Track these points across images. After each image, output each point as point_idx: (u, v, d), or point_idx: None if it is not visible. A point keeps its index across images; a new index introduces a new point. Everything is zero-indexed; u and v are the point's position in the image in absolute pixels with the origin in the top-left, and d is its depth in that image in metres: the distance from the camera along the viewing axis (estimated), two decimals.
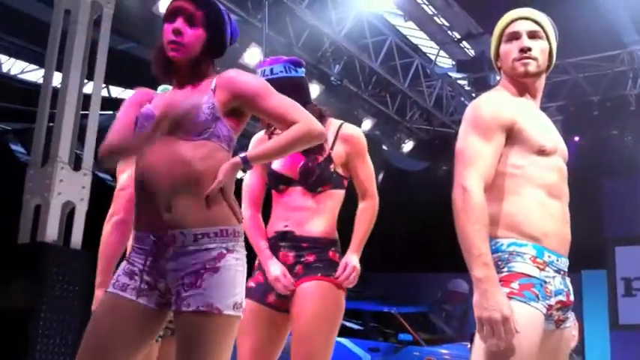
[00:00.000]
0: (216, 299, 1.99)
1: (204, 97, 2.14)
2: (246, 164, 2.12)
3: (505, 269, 2.14)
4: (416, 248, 12.10)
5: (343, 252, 2.88)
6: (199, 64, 2.22)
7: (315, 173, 2.80)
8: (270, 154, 2.23)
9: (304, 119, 2.17)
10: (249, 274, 2.47)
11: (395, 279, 12.96)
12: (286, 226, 2.80)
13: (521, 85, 2.38)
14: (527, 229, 2.18)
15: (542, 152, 2.24)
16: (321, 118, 2.85)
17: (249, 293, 2.70)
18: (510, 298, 2.08)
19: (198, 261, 2.02)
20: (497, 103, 2.28)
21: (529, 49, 2.33)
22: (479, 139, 2.20)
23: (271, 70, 2.91)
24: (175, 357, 2.04)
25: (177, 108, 2.10)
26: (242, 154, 2.14)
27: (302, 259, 2.77)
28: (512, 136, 2.24)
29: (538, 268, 2.14)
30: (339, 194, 2.90)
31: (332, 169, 2.84)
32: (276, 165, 2.87)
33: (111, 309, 2.10)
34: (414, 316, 11.19)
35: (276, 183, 2.88)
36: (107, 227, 3.03)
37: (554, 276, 2.18)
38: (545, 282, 2.15)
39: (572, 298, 2.27)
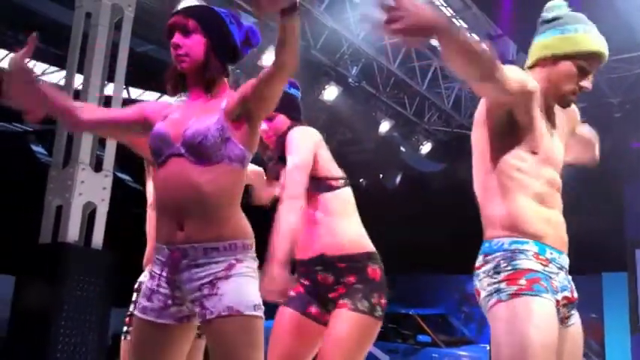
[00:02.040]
0: (235, 302, 2.07)
1: (213, 119, 2.18)
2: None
3: (509, 267, 2.13)
4: (434, 250, 12.08)
5: None
6: (208, 68, 2.27)
7: None
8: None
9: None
10: None
11: (413, 281, 12.96)
12: (310, 248, 2.82)
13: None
14: (528, 228, 2.18)
15: (534, 154, 2.24)
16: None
17: (290, 302, 2.78)
18: (520, 294, 2.08)
19: (209, 272, 2.12)
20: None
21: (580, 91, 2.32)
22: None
23: None
24: None
25: (186, 133, 2.17)
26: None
27: (342, 281, 2.77)
28: (521, 127, 2.23)
29: (541, 264, 2.14)
30: (334, 197, 2.89)
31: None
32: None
33: (139, 334, 2.24)
34: (432, 318, 11.18)
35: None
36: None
37: (557, 272, 2.18)
38: (551, 277, 2.15)
39: (576, 294, 2.26)
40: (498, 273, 2.13)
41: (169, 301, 2.17)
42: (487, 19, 9.19)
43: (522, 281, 2.09)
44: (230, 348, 2.07)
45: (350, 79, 9.35)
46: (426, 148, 11.25)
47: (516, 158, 2.23)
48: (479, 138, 2.31)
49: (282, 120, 2.94)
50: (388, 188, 11.44)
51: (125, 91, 9.85)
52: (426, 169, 11.69)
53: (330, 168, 2.92)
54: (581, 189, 10.18)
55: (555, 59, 2.31)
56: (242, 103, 2.20)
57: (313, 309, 2.81)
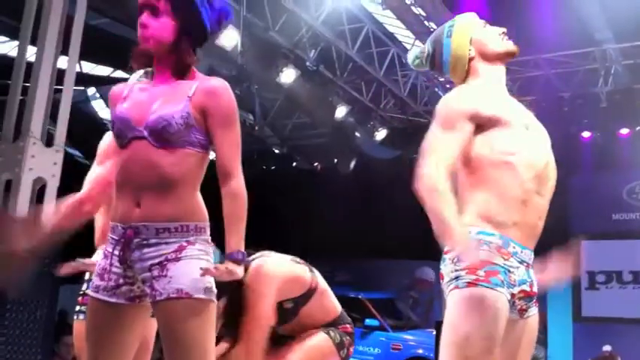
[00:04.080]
0: (184, 284, 2.08)
1: (179, 106, 2.17)
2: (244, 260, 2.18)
3: None
4: (385, 235, 12.20)
5: None
6: (176, 52, 2.25)
7: None
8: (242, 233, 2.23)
9: (238, 179, 2.20)
10: None
11: (363, 265, 13.07)
12: None
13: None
14: (496, 219, 2.24)
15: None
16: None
17: None
18: (476, 284, 2.15)
19: (160, 253, 2.13)
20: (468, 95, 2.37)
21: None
22: (441, 130, 2.29)
23: None
24: (163, 348, 2.15)
25: (150, 118, 2.16)
26: (238, 255, 2.14)
27: None
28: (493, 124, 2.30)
29: (503, 257, 2.21)
30: None
31: None
32: None
33: (93, 313, 2.24)
34: (381, 302, 11.32)
35: None
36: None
37: (517, 266, 2.25)
38: (510, 271, 2.21)
39: (535, 289, 2.33)
40: (461, 261, 2.19)
41: (121, 280, 2.17)
42: (445, 8, 9.24)
43: (481, 272, 2.16)
44: (179, 330, 2.07)
45: (308, 63, 9.34)
46: (380, 134, 11.32)
47: (501, 148, 2.29)
48: None
49: None
50: (342, 173, 11.48)
51: (77, 64, 9.67)
52: (380, 155, 11.77)
53: None
54: None
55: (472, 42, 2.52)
56: (203, 112, 2.20)
57: None
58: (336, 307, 3.43)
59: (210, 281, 2.14)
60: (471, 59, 2.49)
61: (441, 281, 2.31)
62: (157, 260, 2.11)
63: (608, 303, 11.44)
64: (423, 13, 9.61)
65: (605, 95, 9.85)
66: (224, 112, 2.20)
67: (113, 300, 2.18)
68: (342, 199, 11.40)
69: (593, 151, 10.46)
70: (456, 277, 2.19)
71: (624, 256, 11.45)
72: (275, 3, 8.37)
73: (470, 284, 2.16)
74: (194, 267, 2.10)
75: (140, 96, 2.26)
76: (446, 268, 2.26)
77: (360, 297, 11.01)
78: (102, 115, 11.77)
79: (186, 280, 2.08)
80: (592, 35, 8.97)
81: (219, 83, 2.25)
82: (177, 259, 2.11)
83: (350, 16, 9.33)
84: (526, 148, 2.31)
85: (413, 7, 9.49)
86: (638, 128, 9.90)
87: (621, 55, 9.51)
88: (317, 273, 3.46)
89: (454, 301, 2.19)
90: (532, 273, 2.33)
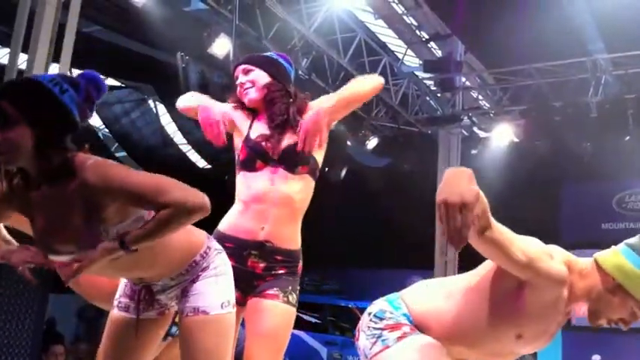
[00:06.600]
0: (202, 304, 2.19)
1: (80, 230, 1.91)
2: (124, 247, 1.90)
3: (392, 318, 2.28)
4: (376, 244, 12.19)
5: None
6: (42, 158, 1.87)
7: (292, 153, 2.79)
8: (150, 236, 1.94)
9: (176, 199, 1.91)
10: None
11: (354, 274, 13.06)
12: (263, 229, 2.69)
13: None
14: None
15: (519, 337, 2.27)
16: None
17: None
18: (406, 336, 2.20)
19: (181, 289, 2.24)
20: None
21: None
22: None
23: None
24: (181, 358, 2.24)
25: (66, 249, 1.95)
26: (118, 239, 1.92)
27: (272, 272, 2.70)
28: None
29: None
30: (312, 186, 2.87)
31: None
32: (254, 134, 2.84)
33: (117, 329, 2.30)
34: None
35: (252, 158, 2.76)
36: None
37: None
38: None
39: None
40: (380, 319, 2.25)
41: (154, 303, 2.29)
42: (437, 18, 9.29)
43: (405, 328, 2.21)
44: (194, 344, 2.17)
45: (300, 72, 9.35)
46: (371, 143, 11.33)
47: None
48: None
49: (261, 75, 3.01)
50: (333, 182, 11.48)
51: (69, 72, 9.64)
52: (371, 164, 11.79)
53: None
54: (517, 191, 10.41)
55: (624, 291, 2.11)
56: (106, 197, 1.92)
57: (236, 293, 2.68)
58: None
59: (227, 293, 2.24)
60: (607, 286, 2.12)
61: (357, 334, 2.36)
62: (180, 291, 2.23)
63: None
64: (415, 23, 9.66)
65: (595, 105, 9.88)
66: (111, 190, 1.89)
67: (144, 316, 2.27)
68: (332, 208, 11.40)
69: (583, 161, 10.49)
70: (380, 337, 2.23)
71: None
72: (267, 12, 8.37)
73: (399, 338, 2.19)
74: (212, 285, 2.21)
75: (39, 213, 1.98)
76: (362, 321, 2.32)
77: (350, 306, 10.98)
78: (92, 123, 11.73)
79: (204, 298, 2.19)
80: (583, 45, 9.00)
81: (91, 171, 1.89)
82: (195, 282, 2.22)
83: (342, 25, 9.35)
84: None
85: (405, 17, 9.54)
86: (627, 138, 9.93)
87: (612, 65, 9.55)
88: None
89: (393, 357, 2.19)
90: None
